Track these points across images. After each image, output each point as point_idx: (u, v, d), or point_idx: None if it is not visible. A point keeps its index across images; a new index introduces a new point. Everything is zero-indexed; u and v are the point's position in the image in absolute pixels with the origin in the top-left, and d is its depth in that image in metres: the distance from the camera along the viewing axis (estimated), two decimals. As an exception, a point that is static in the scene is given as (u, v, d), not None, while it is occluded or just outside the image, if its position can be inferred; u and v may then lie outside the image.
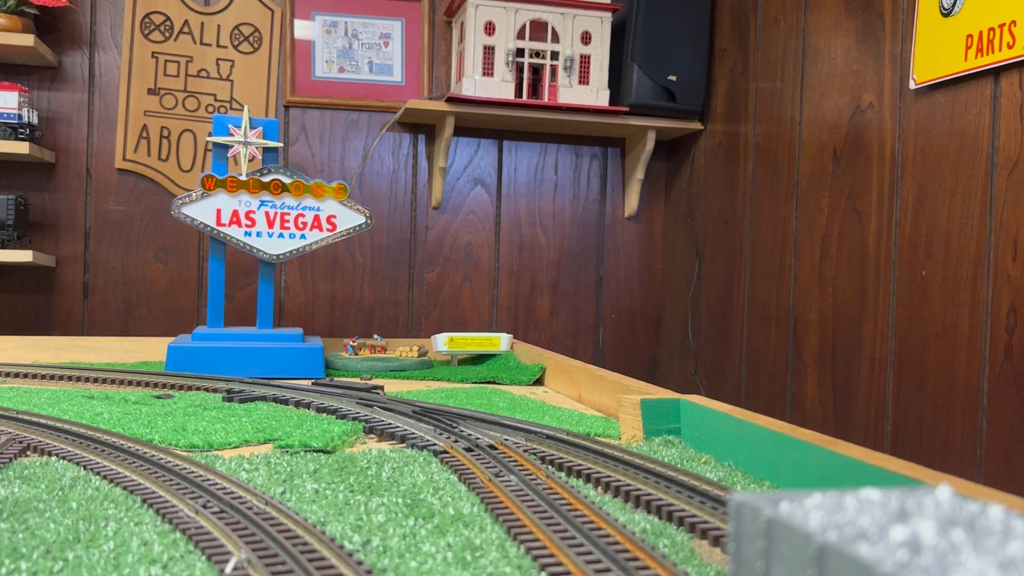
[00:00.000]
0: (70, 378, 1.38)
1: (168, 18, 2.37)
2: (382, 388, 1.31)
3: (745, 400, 2.19)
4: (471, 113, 2.31)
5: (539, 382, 1.57)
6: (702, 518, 0.68)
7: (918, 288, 1.64)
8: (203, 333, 1.54)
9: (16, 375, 1.39)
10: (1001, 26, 1.44)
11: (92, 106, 2.34)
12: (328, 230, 1.59)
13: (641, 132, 2.48)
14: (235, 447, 0.97)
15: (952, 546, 0.32)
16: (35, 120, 2.19)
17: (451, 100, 2.27)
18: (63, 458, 0.87)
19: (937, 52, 1.58)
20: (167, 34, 2.36)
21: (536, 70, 2.34)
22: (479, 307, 2.57)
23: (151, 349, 1.71)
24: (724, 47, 2.35)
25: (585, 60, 2.35)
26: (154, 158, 2.37)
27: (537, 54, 2.33)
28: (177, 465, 0.80)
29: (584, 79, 2.35)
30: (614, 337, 2.66)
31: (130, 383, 1.36)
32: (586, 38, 2.35)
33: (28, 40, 2.11)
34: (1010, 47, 1.42)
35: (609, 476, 0.81)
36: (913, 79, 1.64)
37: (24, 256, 2.12)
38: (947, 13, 1.56)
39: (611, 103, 2.38)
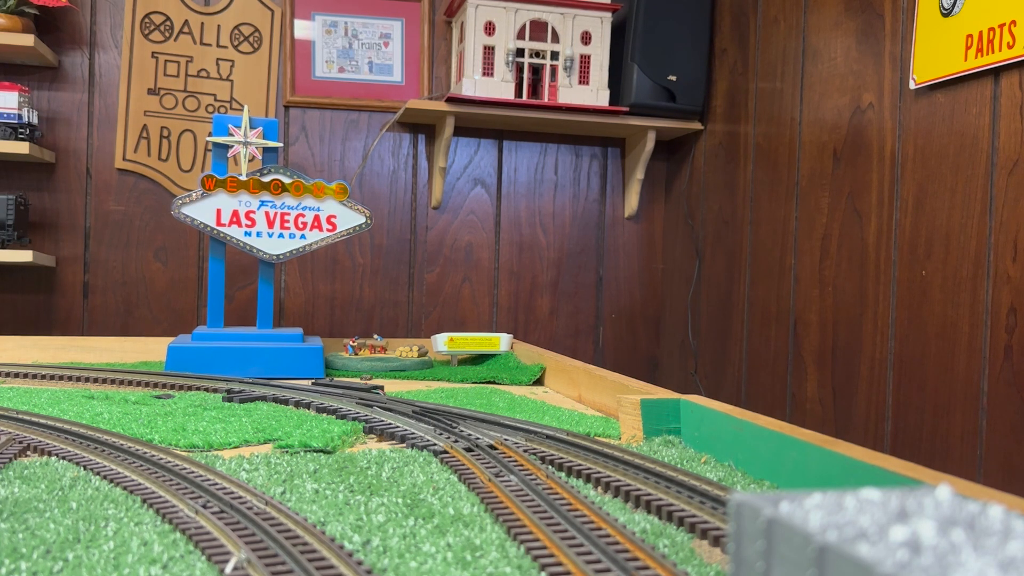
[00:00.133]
0: (70, 378, 1.38)
1: (168, 18, 2.37)
2: (382, 388, 1.31)
3: (745, 400, 2.19)
4: (471, 113, 2.31)
5: (539, 382, 1.57)
6: (702, 518, 0.68)
7: (918, 288, 1.64)
8: (203, 333, 1.54)
9: (16, 375, 1.39)
10: (1001, 26, 1.44)
11: (92, 106, 2.34)
12: (328, 230, 1.59)
13: (641, 132, 2.48)
14: (235, 447, 0.97)
15: (952, 546, 0.32)
16: (35, 120, 2.18)
17: (451, 100, 2.27)
18: (63, 458, 0.87)
19: (937, 52, 1.58)
20: (167, 34, 2.36)
21: (536, 70, 2.34)
22: (479, 307, 2.57)
23: (151, 349, 1.71)
24: (724, 47, 2.35)
25: (585, 60, 2.35)
26: (154, 158, 2.37)
27: (537, 54, 2.33)
28: (177, 465, 0.80)
29: (584, 79, 2.35)
30: (614, 337, 2.66)
31: (130, 383, 1.36)
32: (586, 38, 2.35)
33: (28, 40, 2.11)
34: (1010, 47, 1.42)
35: (609, 476, 0.81)
36: (913, 79, 1.64)
37: (24, 256, 2.12)
38: (947, 13, 1.56)
39: (611, 103, 2.38)
